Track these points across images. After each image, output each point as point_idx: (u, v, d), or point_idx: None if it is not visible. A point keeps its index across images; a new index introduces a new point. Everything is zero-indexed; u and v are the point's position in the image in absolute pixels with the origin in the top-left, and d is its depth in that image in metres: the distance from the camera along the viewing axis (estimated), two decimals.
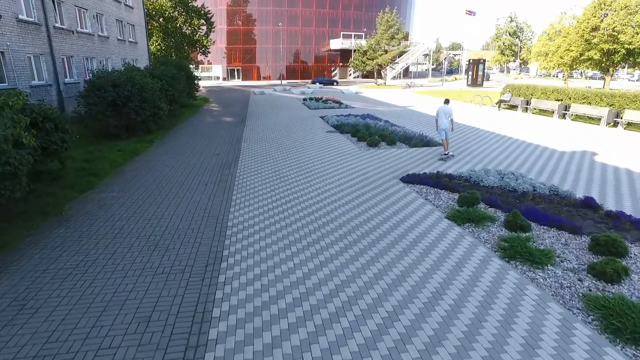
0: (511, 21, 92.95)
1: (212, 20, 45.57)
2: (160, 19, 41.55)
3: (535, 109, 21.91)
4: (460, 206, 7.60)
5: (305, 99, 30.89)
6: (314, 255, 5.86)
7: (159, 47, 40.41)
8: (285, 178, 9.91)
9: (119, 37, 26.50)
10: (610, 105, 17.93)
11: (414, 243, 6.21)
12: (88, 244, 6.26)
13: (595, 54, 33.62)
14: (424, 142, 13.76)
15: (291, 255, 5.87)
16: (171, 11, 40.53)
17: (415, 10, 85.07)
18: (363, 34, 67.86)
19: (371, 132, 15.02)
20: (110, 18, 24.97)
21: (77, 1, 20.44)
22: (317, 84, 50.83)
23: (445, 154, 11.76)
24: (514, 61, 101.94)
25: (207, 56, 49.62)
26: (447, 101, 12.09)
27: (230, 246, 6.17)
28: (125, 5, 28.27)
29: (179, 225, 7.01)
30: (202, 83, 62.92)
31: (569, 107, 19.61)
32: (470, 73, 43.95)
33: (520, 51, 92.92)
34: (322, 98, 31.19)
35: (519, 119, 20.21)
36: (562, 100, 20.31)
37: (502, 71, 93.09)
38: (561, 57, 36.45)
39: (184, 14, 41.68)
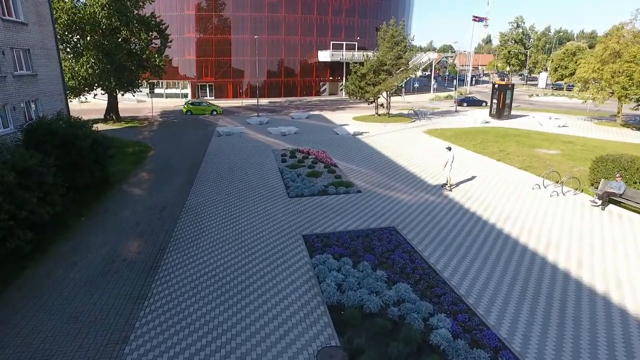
0: (517, 27, 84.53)
1: (167, 32, 35.58)
2: (99, 31, 31.46)
3: None
4: None
5: (284, 157, 21.32)
6: None
7: (91, 70, 30.28)
8: None
9: None
10: None
11: None
12: None
13: None
14: None
15: None
16: (107, 22, 30.39)
17: (414, 17, 75.81)
18: (356, 43, 58.57)
19: None
20: None
21: None
22: (465, 104, 47.86)
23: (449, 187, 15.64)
24: (519, 70, 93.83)
25: (162, 78, 39.55)
26: (449, 148, 16.05)
27: None
28: (8, 21, 18.30)
29: None
30: (165, 103, 51.54)
31: None
32: (495, 102, 34.88)
33: (527, 60, 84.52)
34: (308, 154, 21.80)
35: None
36: None
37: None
38: (624, 89, 27.60)
39: (126, 24, 31.57)
